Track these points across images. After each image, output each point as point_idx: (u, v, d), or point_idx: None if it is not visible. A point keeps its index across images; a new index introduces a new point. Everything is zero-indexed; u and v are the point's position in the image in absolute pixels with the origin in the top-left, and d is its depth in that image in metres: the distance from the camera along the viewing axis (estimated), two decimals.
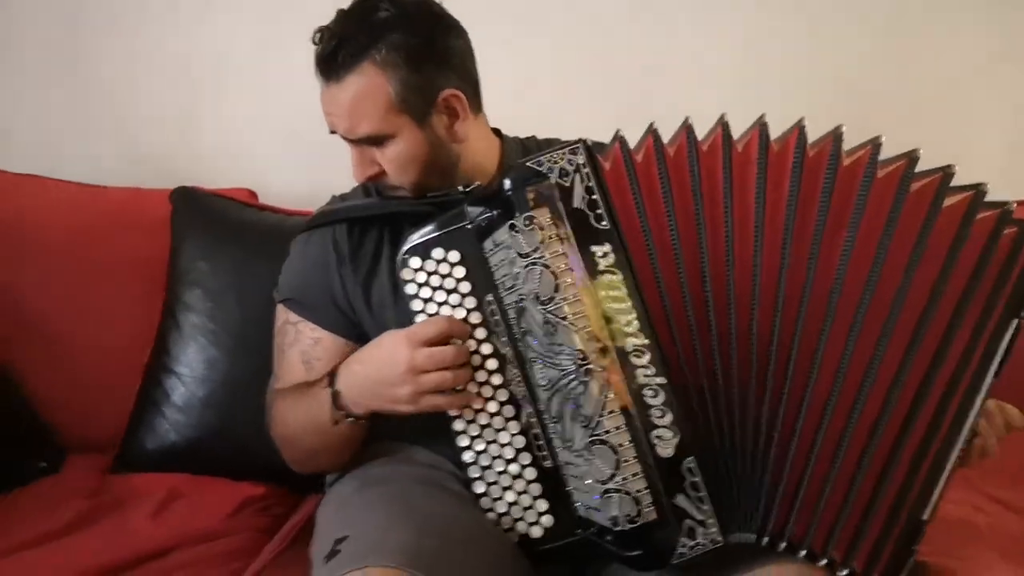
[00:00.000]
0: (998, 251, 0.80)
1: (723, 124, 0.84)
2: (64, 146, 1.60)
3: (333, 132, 1.00)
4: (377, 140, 0.97)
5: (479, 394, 0.89)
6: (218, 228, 1.40)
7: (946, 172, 0.81)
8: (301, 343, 1.04)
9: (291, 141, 1.62)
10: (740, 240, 0.82)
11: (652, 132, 0.84)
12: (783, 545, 0.82)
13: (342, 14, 0.97)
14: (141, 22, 1.59)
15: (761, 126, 0.83)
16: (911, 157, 0.82)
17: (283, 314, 1.07)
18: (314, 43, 0.98)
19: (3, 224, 1.36)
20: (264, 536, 1.17)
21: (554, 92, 1.56)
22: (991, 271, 0.80)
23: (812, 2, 1.63)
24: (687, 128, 0.83)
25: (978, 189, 0.81)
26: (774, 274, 0.82)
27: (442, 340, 0.87)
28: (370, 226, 1.04)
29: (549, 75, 1.53)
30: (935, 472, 0.82)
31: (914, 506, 0.82)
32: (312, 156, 1.60)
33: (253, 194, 1.54)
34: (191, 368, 1.32)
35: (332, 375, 0.95)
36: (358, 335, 1.04)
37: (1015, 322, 0.81)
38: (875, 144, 0.83)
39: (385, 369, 0.89)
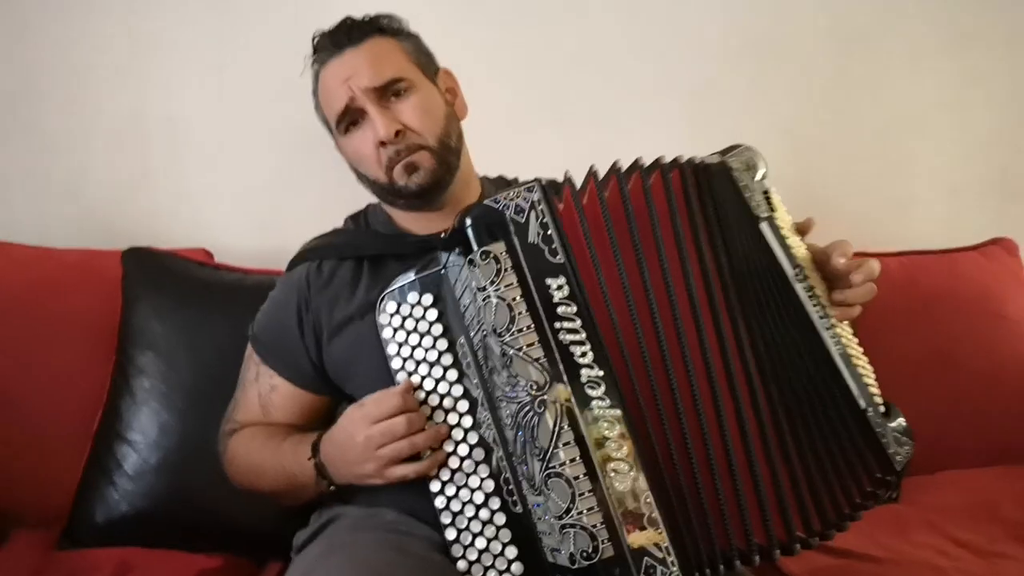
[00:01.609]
0: (685, 192, 0.90)
1: (639, 168, 0.91)
2: (14, 206, 1.56)
3: (346, 107, 1.04)
4: (399, 89, 1.05)
5: (444, 450, 0.90)
6: (172, 288, 1.37)
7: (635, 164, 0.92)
8: (260, 384, 1.09)
9: (245, 200, 1.61)
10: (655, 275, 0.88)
11: (593, 175, 0.90)
12: (755, 558, 0.84)
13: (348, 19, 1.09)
14: (92, 81, 1.57)
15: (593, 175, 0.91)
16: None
17: (250, 348, 1.12)
18: (314, 41, 1.10)
19: None
20: None
21: (513, 134, 1.58)
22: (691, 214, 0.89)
23: (760, 53, 1.71)
24: (617, 172, 0.90)
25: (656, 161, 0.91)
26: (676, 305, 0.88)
27: (396, 414, 0.89)
28: (352, 261, 1.08)
29: (505, 118, 1.56)
30: (828, 365, 0.90)
31: (846, 405, 0.89)
32: (267, 215, 1.60)
33: (209, 254, 1.51)
34: (143, 434, 1.27)
35: (315, 445, 0.99)
36: (317, 383, 1.07)
37: (763, 224, 0.91)
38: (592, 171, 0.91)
39: (348, 449, 0.93)
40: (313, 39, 1.11)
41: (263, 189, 1.61)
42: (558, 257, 0.85)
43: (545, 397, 0.81)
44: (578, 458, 0.80)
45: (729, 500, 0.85)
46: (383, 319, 0.93)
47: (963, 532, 1.25)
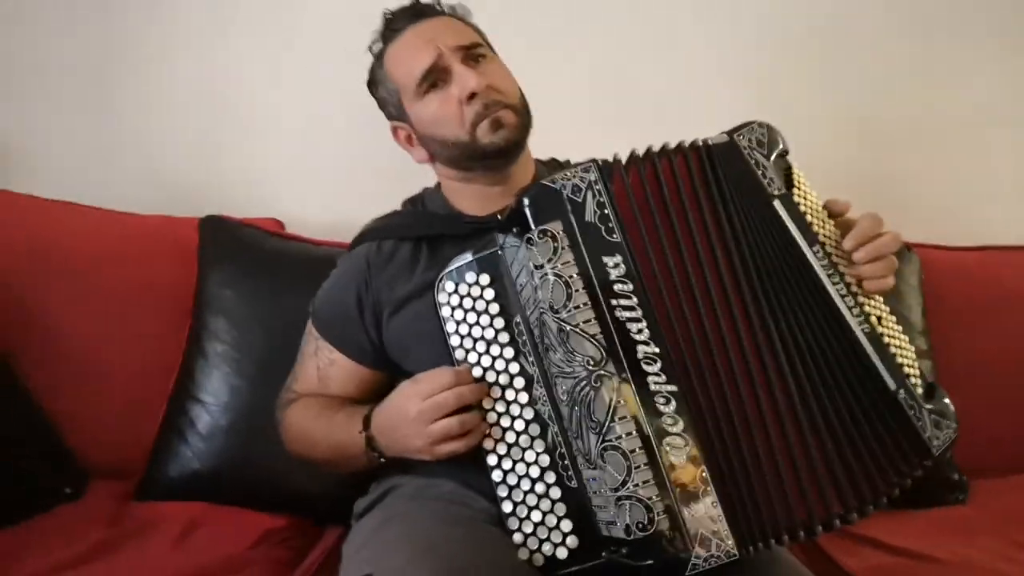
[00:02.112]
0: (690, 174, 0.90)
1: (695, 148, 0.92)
2: (91, 172, 1.61)
3: (431, 67, 1.06)
4: (481, 53, 1.09)
5: (499, 424, 0.91)
6: (245, 257, 1.41)
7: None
8: (319, 358, 1.11)
9: (317, 172, 1.64)
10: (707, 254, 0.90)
11: (635, 158, 0.91)
12: (800, 533, 0.84)
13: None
14: (171, 52, 1.61)
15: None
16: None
17: (310, 324, 1.14)
18: (385, 17, 1.13)
19: (32, 249, 1.37)
20: (285, 569, 1.17)
21: (574, 121, 1.57)
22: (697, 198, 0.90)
23: (831, 38, 1.65)
24: (666, 152, 0.92)
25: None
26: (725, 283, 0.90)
27: (447, 389, 0.91)
28: (411, 242, 1.09)
29: (568, 104, 1.55)
30: (859, 354, 0.89)
31: (875, 386, 0.89)
32: (338, 187, 1.63)
33: (280, 224, 1.55)
34: (215, 396, 1.32)
35: (367, 419, 1.00)
36: (375, 359, 1.09)
37: (775, 201, 0.91)
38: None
39: (400, 423, 0.95)
40: (385, 15, 1.13)
41: (334, 162, 1.63)
42: (614, 236, 0.87)
43: (602, 372, 0.83)
44: (634, 432, 0.82)
45: (772, 476, 0.85)
46: (441, 298, 0.95)
47: None
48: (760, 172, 0.92)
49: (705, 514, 0.81)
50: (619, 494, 0.81)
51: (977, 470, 1.38)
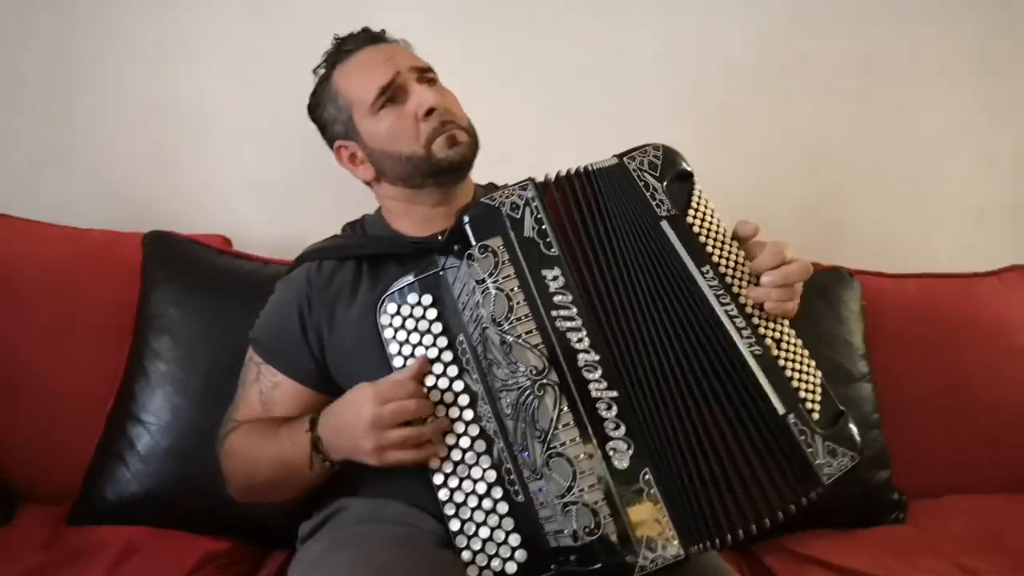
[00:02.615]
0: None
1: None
2: (39, 186, 1.58)
3: (389, 83, 1.09)
4: (434, 78, 1.15)
5: (446, 443, 0.92)
6: (191, 274, 1.38)
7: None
8: (261, 383, 1.09)
9: (265, 190, 1.62)
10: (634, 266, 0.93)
11: (581, 174, 0.95)
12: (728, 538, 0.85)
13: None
14: (121, 64, 1.59)
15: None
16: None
17: (250, 352, 1.12)
18: (336, 40, 1.17)
19: None
20: None
21: (531, 149, 1.59)
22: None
23: (784, 74, 1.71)
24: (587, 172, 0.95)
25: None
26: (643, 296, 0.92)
27: (405, 396, 0.91)
28: (355, 263, 1.10)
29: (523, 130, 1.58)
30: (746, 376, 0.89)
31: (766, 410, 0.88)
32: (287, 204, 1.61)
33: (227, 240, 1.53)
34: (156, 416, 1.28)
35: (313, 419, 0.99)
36: (319, 380, 1.07)
37: (662, 224, 0.93)
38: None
39: (353, 423, 0.93)
40: (336, 38, 1.16)
41: (283, 179, 1.62)
42: (552, 250, 0.90)
43: (544, 381, 0.84)
44: (578, 437, 0.83)
45: (707, 478, 0.86)
46: (384, 320, 0.96)
47: (968, 559, 1.24)
48: (649, 194, 0.94)
49: (650, 516, 0.82)
50: (565, 500, 0.82)
51: (916, 490, 1.41)
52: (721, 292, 0.91)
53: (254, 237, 1.56)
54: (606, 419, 0.84)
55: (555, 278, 0.89)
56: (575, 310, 0.87)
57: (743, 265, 0.94)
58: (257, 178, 1.62)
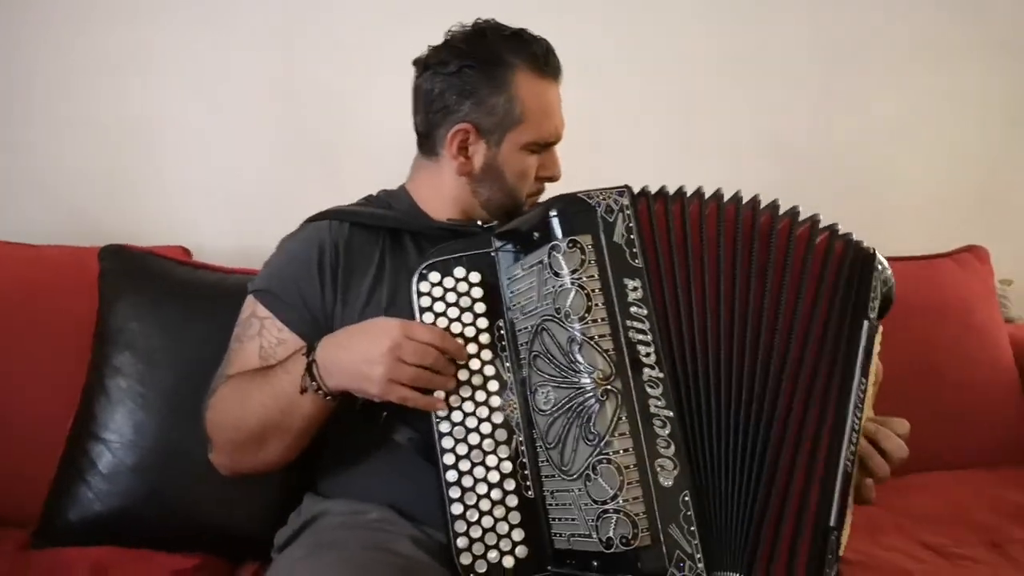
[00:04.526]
0: (826, 255, 0.91)
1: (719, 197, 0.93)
2: None
3: (555, 140, 1.13)
4: None
5: (464, 424, 0.90)
6: (150, 287, 1.35)
7: (813, 220, 0.93)
8: (264, 338, 1.03)
9: (224, 199, 1.61)
10: (726, 299, 0.89)
11: (681, 194, 0.93)
12: None
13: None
14: (73, 80, 1.57)
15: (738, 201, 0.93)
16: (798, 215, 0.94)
17: (251, 306, 1.05)
18: (527, 38, 1.10)
19: None
20: None
21: None
22: (820, 280, 0.90)
23: (746, 69, 1.74)
24: (700, 196, 0.93)
25: (811, 218, 0.94)
26: (742, 331, 0.89)
27: (435, 348, 0.89)
28: (376, 234, 1.07)
29: None
30: (829, 477, 0.87)
31: (818, 514, 0.86)
32: (247, 214, 1.60)
33: (187, 252, 1.51)
34: (119, 434, 1.25)
35: (311, 345, 0.95)
36: None
37: (865, 324, 0.90)
38: (793, 213, 0.94)
39: (369, 343, 0.90)
40: (526, 36, 1.10)
41: (242, 188, 1.61)
42: (637, 261, 0.88)
43: (609, 387, 0.84)
44: (631, 448, 0.83)
45: (745, 516, 0.86)
46: (423, 287, 0.94)
47: (932, 535, 1.27)
48: (871, 296, 0.92)
49: (683, 536, 0.82)
50: (607, 507, 0.82)
51: None
52: (859, 404, 0.89)
53: (214, 248, 1.54)
54: (659, 436, 0.84)
55: (635, 289, 0.87)
56: (647, 324, 0.87)
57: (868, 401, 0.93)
58: (214, 188, 1.60)
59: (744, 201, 0.93)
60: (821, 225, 0.93)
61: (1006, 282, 1.78)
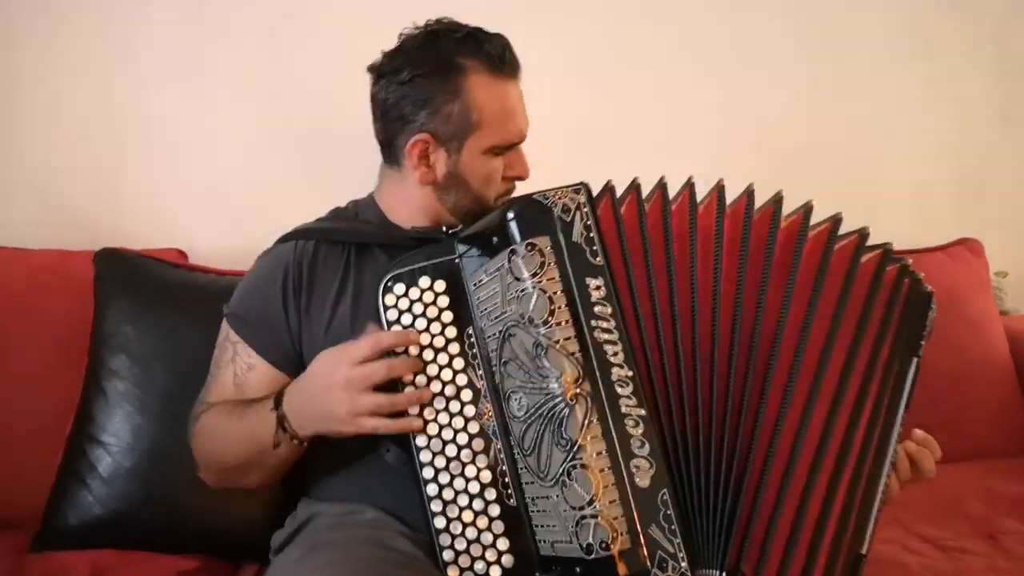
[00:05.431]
0: (893, 292, 0.91)
1: (689, 186, 0.92)
2: None
3: (519, 141, 1.10)
4: None
5: (440, 437, 0.89)
6: (145, 290, 1.36)
7: (861, 233, 0.92)
8: (237, 364, 1.04)
9: (219, 201, 1.60)
10: (702, 294, 0.89)
11: (636, 188, 0.92)
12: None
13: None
14: (63, 81, 1.56)
15: (719, 189, 0.92)
16: (835, 220, 0.93)
17: (225, 330, 1.07)
18: (483, 38, 1.05)
19: None
20: None
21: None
22: (886, 314, 0.90)
23: (729, 64, 1.74)
24: (662, 187, 0.92)
25: (884, 247, 0.93)
26: (728, 324, 0.88)
27: (378, 356, 0.89)
28: (341, 248, 1.07)
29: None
30: (866, 507, 0.87)
31: (852, 541, 0.86)
32: (242, 216, 1.59)
33: (182, 254, 1.51)
34: (117, 437, 1.26)
35: (278, 397, 0.95)
36: (295, 364, 1.03)
37: (915, 360, 0.90)
38: (806, 209, 0.93)
39: (325, 383, 0.90)
40: (480, 36, 1.06)
41: (237, 189, 1.60)
42: (598, 259, 0.87)
43: (578, 391, 0.82)
44: (604, 451, 0.81)
45: (725, 513, 0.86)
46: (388, 300, 0.93)
47: (928, 528, 1.27)
48: (926, 331, 0.92)
49: (664, 536, 0.81)
50: (584, 512, 0.81)
51: None
52: (900, 431, 0.90)
53: (209, 249, 1.54)
54: (632, 436, 0.83)
55: (597, 288, 0.86)
56: (613, 323, 0.85)
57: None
58: (208, 190, 1.60)
59: (728, 196, 0.93)
60: (815, 222, 0.93)
61: (1001, 274, 1.78)
